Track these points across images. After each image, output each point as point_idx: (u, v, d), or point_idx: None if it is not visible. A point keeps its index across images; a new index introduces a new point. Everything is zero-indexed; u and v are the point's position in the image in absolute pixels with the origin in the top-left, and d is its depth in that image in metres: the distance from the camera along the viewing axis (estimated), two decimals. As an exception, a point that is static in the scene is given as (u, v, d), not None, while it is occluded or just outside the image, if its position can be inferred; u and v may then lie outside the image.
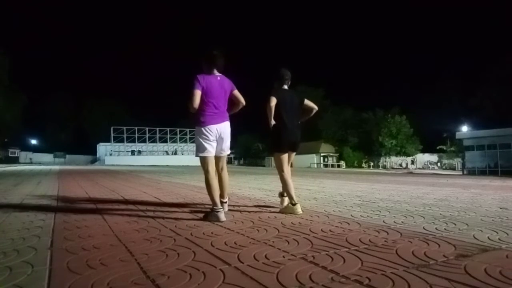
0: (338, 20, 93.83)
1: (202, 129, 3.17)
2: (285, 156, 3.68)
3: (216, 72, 3.28)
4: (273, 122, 3.54)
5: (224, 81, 3.30)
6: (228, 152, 3.45)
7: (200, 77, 3.16)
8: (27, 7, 77.00)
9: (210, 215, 3.09)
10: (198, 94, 3.11)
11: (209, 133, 3.18)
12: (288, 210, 3.50)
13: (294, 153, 3.87)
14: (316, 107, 3.92)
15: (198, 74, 3.20)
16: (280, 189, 3.84)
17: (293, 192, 3.55)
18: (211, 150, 3.22)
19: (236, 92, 3.39)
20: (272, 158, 3.94)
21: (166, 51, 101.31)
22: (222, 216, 3.04)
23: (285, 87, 3.76)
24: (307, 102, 3.84)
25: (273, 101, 3.52)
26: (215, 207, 3.08)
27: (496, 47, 57.55)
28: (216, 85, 3.21)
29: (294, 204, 3.48)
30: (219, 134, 3.24)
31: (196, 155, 3.25)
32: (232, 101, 3.41)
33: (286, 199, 3.69)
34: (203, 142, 3.19)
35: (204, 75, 3.21)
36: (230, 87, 3.35)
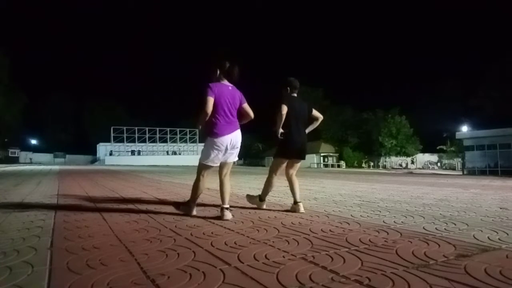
0: (338, 19, 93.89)
1: (215, 140, 3.13)
2: (283, 162, 3.75)
3: (226, 81, 3.25)
4: (281, 130, 3.54)
5: (235, 92, 3.28)
6: (236, 159, 3.42)
7: (212, 85, 3.13)
8: (27, 7, 77.02)
9: (184, 205, 3.40)
10: (211, 100, 3.07)
11: (221, 144, 3.15)
12: (254, 202, 3.88)
13: (300, 162, 3.86)
14: (321, 117, 3.93)
15: (210, 82, 3.18)
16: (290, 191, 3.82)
17: (269, 192, 3.85)
18: (216, 162, 3.22)
19: (246, 106, 3.36)
20: (272, 158, 3.96)
21: (166, 51, 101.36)
22: (193, 211, 3.32)
23: (294, 95, 3.76)
24: (314, 112, 3.86)
25: (285, 109, 3.52)
26: (191, 203, 3.33)
27: (496, 47, 57.60)
28: (228, 94, 3.19)
29: (261, 200, 3.79)
30: (231, 143, 3.21)
31: (201, 161, 3.24)
32: (241, 113, 3.39)
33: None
34: (212, 153, 3.17)
35: (216, 84, 3.18)
36: (240, 99, 3.31)
